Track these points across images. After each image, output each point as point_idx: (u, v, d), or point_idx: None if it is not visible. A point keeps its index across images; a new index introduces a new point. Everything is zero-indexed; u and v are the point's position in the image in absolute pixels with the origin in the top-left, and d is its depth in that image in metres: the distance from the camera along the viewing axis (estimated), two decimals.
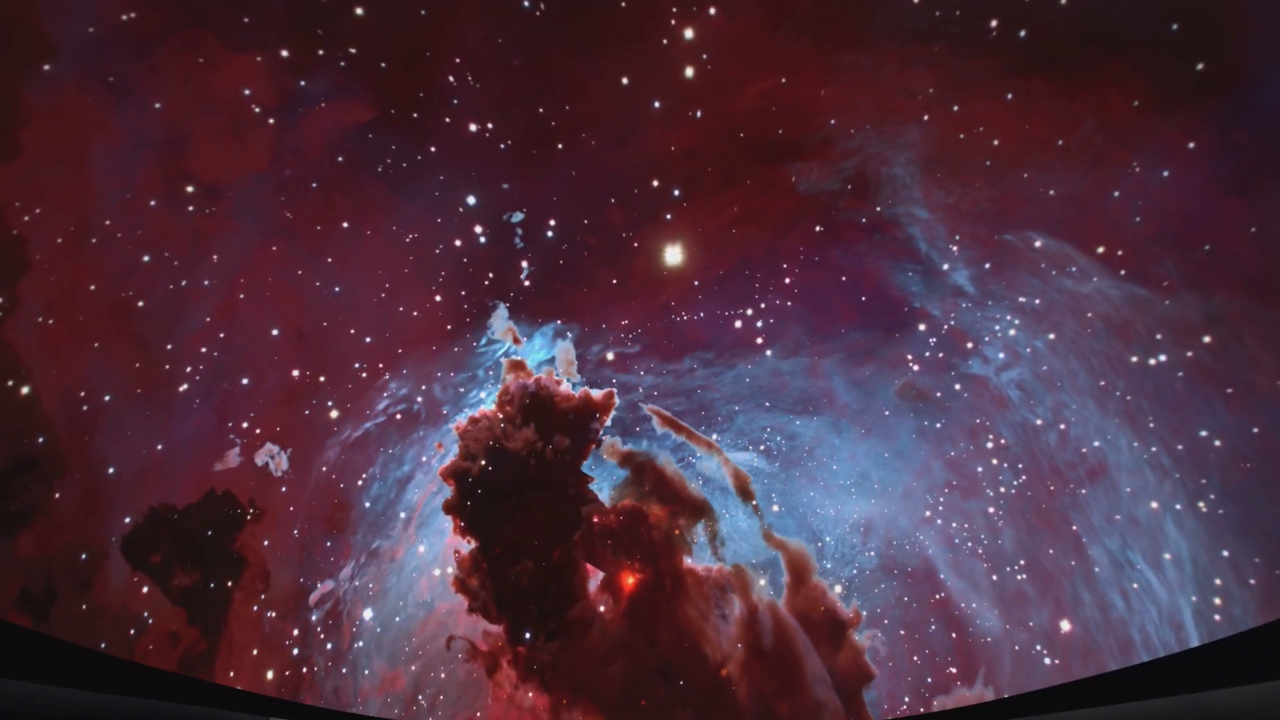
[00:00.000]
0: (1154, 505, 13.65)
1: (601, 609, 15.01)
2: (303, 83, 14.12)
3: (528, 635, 14.30)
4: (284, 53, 14.00)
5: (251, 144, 14.44)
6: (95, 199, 12.97)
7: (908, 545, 16.39)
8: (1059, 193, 14.12)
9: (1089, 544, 14.55)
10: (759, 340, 16.40)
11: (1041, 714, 2.57)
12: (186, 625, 12.63)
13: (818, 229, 15.67)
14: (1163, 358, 13.36)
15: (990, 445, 16.08)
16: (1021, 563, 15.39)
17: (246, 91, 13.99)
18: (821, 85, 14.62)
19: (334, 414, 14.62)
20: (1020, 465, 15.81)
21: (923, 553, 16.31)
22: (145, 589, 11.93)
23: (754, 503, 17.16)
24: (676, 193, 15.89)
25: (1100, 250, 14.11)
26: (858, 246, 15.65)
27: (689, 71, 14.76)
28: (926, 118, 14.13)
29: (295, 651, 13.05)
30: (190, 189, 13.87)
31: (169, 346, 13.35)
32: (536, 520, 15.05)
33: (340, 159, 14.74)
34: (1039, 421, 15.89)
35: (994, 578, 15.74)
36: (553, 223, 15.98)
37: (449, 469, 15.07)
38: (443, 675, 14.48)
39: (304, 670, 13.14)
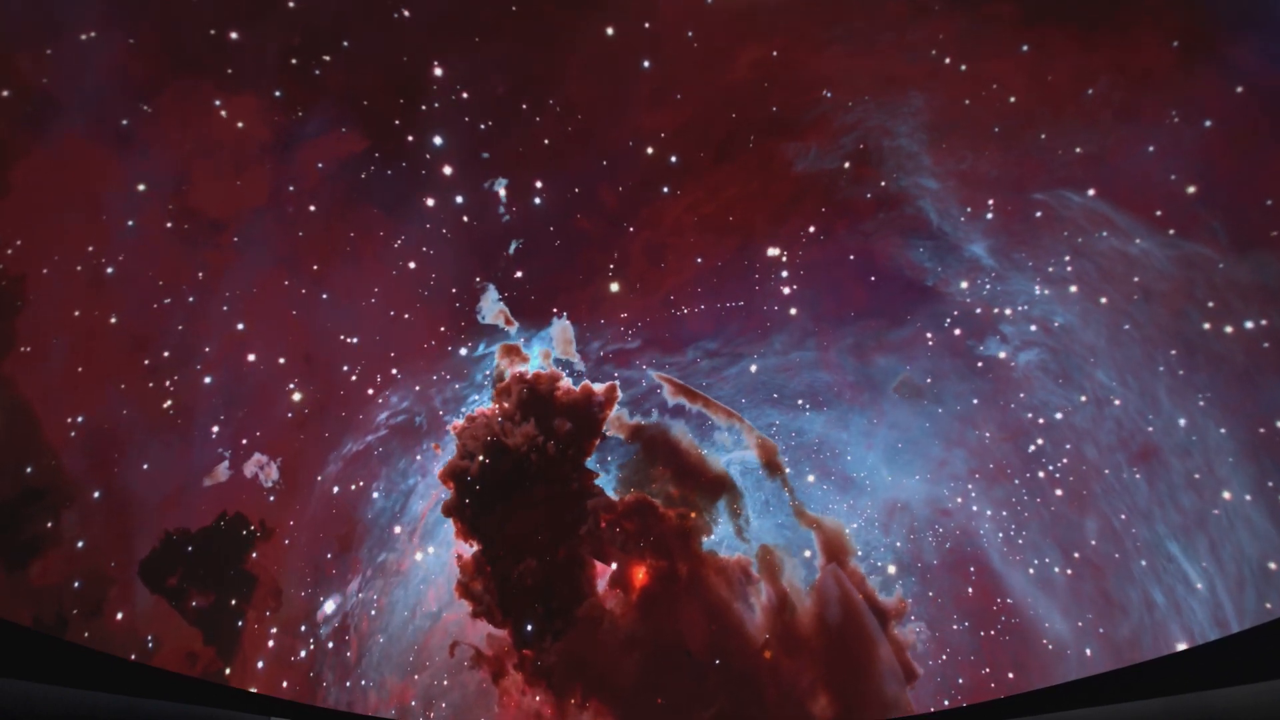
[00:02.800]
0: (1226, 495, 12.15)
1: (612, 605, 14.62)
2: (277, 93, 13.95)
3: (531, 631, 14.07)
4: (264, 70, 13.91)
5: (249, 175, 14.58)
6: (100, 238, 13.26)
7: (931, 538, 15.48)
8: (1086, 150, 12.71)
9: (1136, 537, 13.35)
10: (763, 330, 15.58)
11: (1042, 714, 2.55)
12: (203, 645, 12.99)
13: (820, 208, 14.64)
14: (1248, 325, 11.74)
15: (1022, 429, 14.92)
16: (1058, 556, 14.31)
17: (241, 124, 14.11)
18: (815, 54, 13.51)
19: (335, 428, 14.67)
20: (1056, 450, 14.60)
21: (948, 545, 15.38)
22: (155, 613, 12.28)
23: (785, 473, 15.98)
24: (673, 159, 15.09)
25: (1137, 210, 12.68)
26: (864, 224, 14.56)
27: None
28: (931, 81, 12.88)
29: (306, 667, 13.30)
30: (191, 223, 14.09)
31: (173, 374, 13.57)
32: (539, 518, 14.71)
33: (320, 165, 14.60)
34: (1083, 398, 14.57)
35: (1029, 571, 14.72)
36: (542, 203, 15.50)
37: (447, 470, 14.91)
38: (445, 683, 14.55)
39: (312, 683, 13.39)
